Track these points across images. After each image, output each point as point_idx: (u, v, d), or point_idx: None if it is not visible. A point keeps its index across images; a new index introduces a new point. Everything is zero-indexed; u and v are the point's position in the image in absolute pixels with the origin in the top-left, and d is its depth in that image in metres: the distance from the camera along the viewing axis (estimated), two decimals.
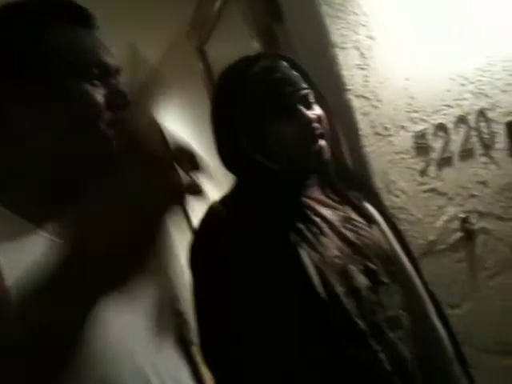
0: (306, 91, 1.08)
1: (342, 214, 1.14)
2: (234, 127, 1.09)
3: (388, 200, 1.40)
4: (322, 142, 1.08)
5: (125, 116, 0.72)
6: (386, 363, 1.01)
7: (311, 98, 1.09)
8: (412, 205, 1.43)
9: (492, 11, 1.54)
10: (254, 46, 1.64)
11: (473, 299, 1.49)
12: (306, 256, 1.01)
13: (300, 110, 1.06)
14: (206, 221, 1.07)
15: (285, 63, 1.08)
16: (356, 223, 1.14)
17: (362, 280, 1.05)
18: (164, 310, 0.77)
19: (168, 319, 0.80)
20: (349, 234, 1.10)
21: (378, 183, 1.40)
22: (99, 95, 0.71)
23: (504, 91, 1.53)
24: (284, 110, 1.05)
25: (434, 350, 1.19)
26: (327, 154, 1.09)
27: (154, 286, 0.77)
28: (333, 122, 1.12)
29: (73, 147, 0.70)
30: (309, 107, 1.08)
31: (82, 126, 0.70)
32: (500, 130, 1.51)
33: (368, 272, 1.08)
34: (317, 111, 1.09)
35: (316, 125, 1.07)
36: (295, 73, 1.09)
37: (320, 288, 0.99)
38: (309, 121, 1.06)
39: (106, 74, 0.73)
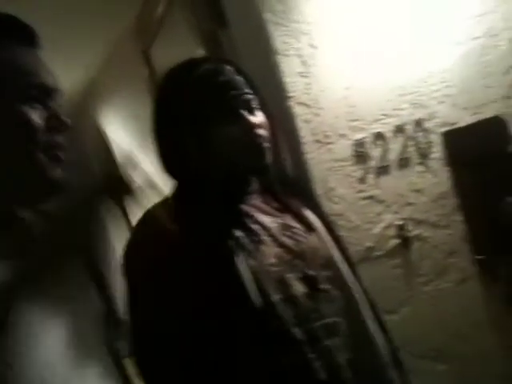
0: (249, 96, 1.08)
1: (281, 221, 1.14)
2: (175, 130, 1.07)
3: (327, 207, 1.42)
4: (264, 146, 1.08)
5: (63, 139, 0.70)
6: (321, 372, 1.01)
7: (254, 104, 1.09)
8: (351, 212, 1.45)
9: (430, 25, 1.58)
10: (199, 51, 1.63)
11: (408, 305, 1.52)
12: (242, 264, 1.00)
13: (243, 115, 1.06)
14: (141, 224, 1.05)
15: (229, 67, 1.07)
16: (295, 230, 1.14)
17: (299, 287, 1.06)
18: (90, 324, 0.74)
19: (97, 332, 0.78)
20: (288, 241, 1.10)
21: (318, 190, 1.41)
22: (37, 117, 0.69)
23: (441, 102, 1.58)
24: (227, 113, 1.04)
25: (371, 356, 1.20)
26: (269, 159, 1.09)
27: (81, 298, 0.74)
28: (275, 129, 1.13)
29: (4, 173, 0.67)
30: (252, 112, 1.08)
31: (15, 150, 0.67)
32: (436, 140, 1.56)
33: (306, 279, 1.09)
34: (259, 117, 1.09)
35: (258, 130, 1.07)
36: (239, 77, 1.09)
37: (255, 296, 0.98)
38: (251, 126, 1.06)
39: (45, 95, 0.71)
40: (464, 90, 1.60)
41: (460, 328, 1.56)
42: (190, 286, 1.00)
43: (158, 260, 1.01)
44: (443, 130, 1.57)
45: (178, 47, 1.79)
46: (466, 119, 1.60)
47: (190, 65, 1.08)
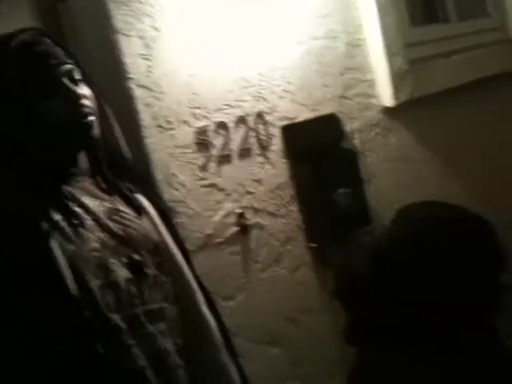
0: (70, 66, 1.03)
1: (109, 205, 1.11)
2: None
3: (167, 193, 1.41)
4: (90, 119, 1.03)
5: None
6: (141, 358, 1.00)
7: (77, 75, 1.04)
8: (191, 199, 1.45)
9: (274, 22, 1.64)
10: (37, 25, 1.52)
11: (246, 291, 1.56)
12: (58, 249, 0.95)
13: (65, 85, 1.01)
14: None
15: (47, 39, 1.01)
16: (123, 214, 1.12)
17: (122, 273, 1.03)
18: None
19: None
20: (114, 225, 1.07)
21: (158, 175, 1.39)
22: None
23: (281, 97, 1.64)
24: (48, 84, 0.99)
25: (203, 341, 1.21)
26: (96, 132, 1.05)
27: None
28: (102, 104, 1.09)
29: None
30: (75, 83, 1.03)
31: None
32: (276, 133, 1.62)
33: (132, 264, 1.07)
34: (84, 89, 1.04)
35: (84, 102, 1.02)
36: (59, 48, 1.04)
37: (71, 283, 0.94)
38: (76, 97, 1.01)
39: None
40: (303, 87, 1.68)
41: (293, 313, 1.64)
42: (4, 272, 0.93)
43: None
44: (283, 123, 1.63)
45: (15, 21, 1.66)
46: (304, 115, 1.68)
47: (5, 38, 1.01)
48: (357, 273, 1.10)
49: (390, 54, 1.84)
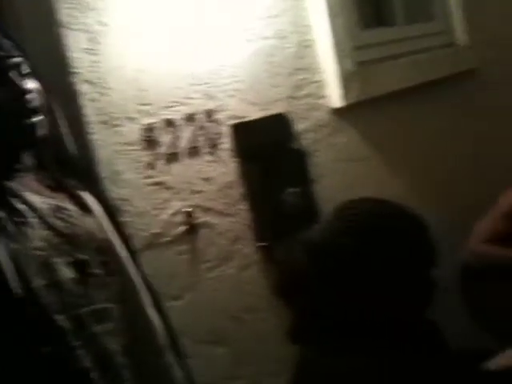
0: (18, 59, 1.00)
1: (54, 202, 1.08)
2: None
3: (113, 191, 1.38)
4: (37, 117, 1.01)
5: None
6: (85, 359, 0.98)
7: (25, 69, 1.01)
8: (137, 197, 1.43)
9: (225, 20, 1.63)
10: None
11: (193, 291, 1.55)
12: (0, 247, 0.92)
13: (12, 78, 0.98)
14: None
15: None
16: (69, 212, 1.09)
17: (66, 272, 1.01)
18: None
19: None
20: (59, 223, 1.05)
21: (103, 173, 1.36)
22: None
23: (231, 96, 1.63)
24: None
25: (148, 341, 1.20)
26: (43, 130, 1.02)
27: None
28: (49, 100, 1.06)
29: None
30: (22, 77, 1.00)
31: None
32: (225, 131, 1.61)
33: (77, 264, 1.05)
34: (32, 84, 1.02)
35: (30, 96, 1.00)
36: (7, 41, 1.00)
37: (14, 282, 0.92)
38: (22, 91, 0.98)
39: None
40: (253, 86, 1.68)
41: (240, 312, 1.64)
42: None
43: None
44: (232, 122, 1.63)
45: None
46: (254, 114, 1.68)
47: None
48: (298, 268, 1.11)
49: (339, 55, 1.86)
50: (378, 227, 1.08)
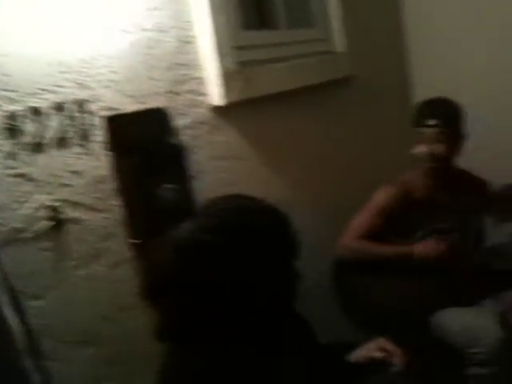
0: None
1: None
2: None
3: None
4: None
5: None
6: None
7: None
8: None
9: (101, 8, 1.57)
10: None
11: (58, 290, 1.47)
12: None
13: None
14: None
15: None
16: None
17: None
18: None
19: None
20: None
21: None
22: None
23: (105, 87, 1.57)
24: None
25: (4, 344, 1.12)
26: None
27: None
28: None
29: None
30: None
31: None
32: (97, 123, 1.54)
33: None
34: None
35: None
36: None
37: None
38: None
39: None
40: (129, 78, 1.63)
41: (110, 311, 1.58)
42: None
43: None
44: (106, 114, 1.57)
45: None
46: (130, 107, 1.63)
47: None
48: (165, 266, 1.10)
49: (220, 53, 1.86)
50: (240, 223, 1.09)
